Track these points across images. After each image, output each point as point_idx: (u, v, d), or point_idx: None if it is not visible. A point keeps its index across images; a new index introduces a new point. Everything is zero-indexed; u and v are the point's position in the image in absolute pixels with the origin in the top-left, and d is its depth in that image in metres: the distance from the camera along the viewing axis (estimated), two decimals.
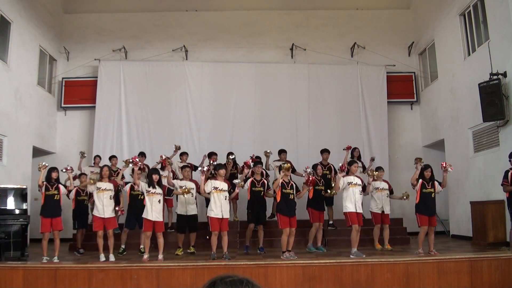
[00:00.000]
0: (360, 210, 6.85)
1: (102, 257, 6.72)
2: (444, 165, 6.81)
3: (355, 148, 9.30)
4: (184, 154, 9.07)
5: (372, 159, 9.36)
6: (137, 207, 7.44)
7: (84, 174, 8.17)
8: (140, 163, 7.06)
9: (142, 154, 9.15)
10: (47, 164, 7.05)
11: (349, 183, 6.84)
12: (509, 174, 6.62)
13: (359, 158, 9.24)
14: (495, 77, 7.80)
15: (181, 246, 7.59)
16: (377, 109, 11.09)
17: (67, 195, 7.43)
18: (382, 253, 7.30)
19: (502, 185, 6.75)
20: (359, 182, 6.93)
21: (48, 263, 6.45)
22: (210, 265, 5.69)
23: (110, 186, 6.97)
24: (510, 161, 6.70)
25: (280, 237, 6.81)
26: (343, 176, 6.91)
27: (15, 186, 7.94)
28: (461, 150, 9.50)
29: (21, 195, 7.80)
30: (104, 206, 6.80)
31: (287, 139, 10.39)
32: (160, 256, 6.63)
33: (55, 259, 6.77)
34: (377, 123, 11.03)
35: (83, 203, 7.96)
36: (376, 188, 7.69)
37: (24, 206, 7.75)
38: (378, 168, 7.87)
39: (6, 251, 7.09)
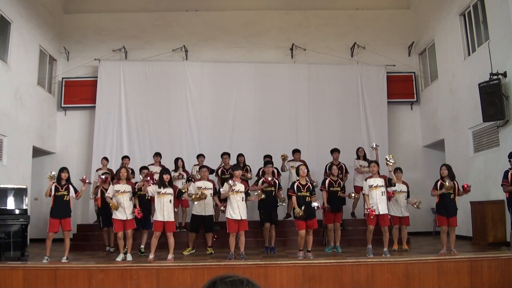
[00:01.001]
0: (383, 212, 6.72)
1: (120, 257, 6.74)
2: (466, 186, 6.75)
3: (359, 148, 9.29)
4: (200, 156, 9.07)
5: (376, 147, 8.98)
6: (143, 208, 7.43)
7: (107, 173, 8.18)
8: (150, 181, 7.04)
9: (157, 155, 9.15)
10: (55, 175, 6.92)
11: (370, 187, 6.79)
12: (509, 174, 6.62)
13: (364, 157, 9.22)
14: (495, 77, 7.80)
15: (191, 245, 7.55)
16: (377, 109, 11.09)
17: (76, 197, 7.21)
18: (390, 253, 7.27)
19: (502, 185, 6.75)
20: (380, 183, 6.81)
21: (48, 263, 6.45)
22: (210, 265, 5.68)
23: (128, 188, 6.97)
24: (510, 161, 6.69)
25: (293, 236, 6.78)
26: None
27: (15, 186, 7.92)
28: (461, 150, 9.50)
29: (21, 195, 7.79)
30: (125, 208, 6.82)
31: (287, 139, 10.40)
32: (170, 256, 6.62)
33: (64, 259, 6.77)
34: (377, 123, 11.03)
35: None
36: (395, 190, 7.57)
37: (24, 206, 7.73)
38: (397, 169, 7.73)
39: (6, 251, 7.08)
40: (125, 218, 6.84)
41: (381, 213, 6.71)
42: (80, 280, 5.34)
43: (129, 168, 8.78)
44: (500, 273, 5.39)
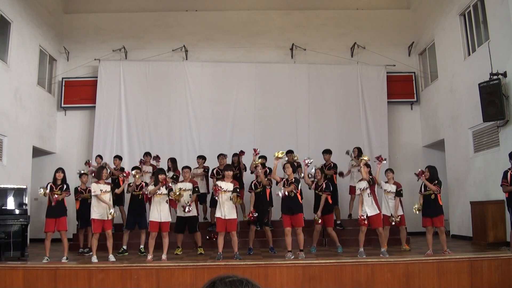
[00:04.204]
0: (371, 213, 6.75)
1: (95, 259, 6.71)
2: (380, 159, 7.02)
3: (353, 148, 9.28)
4: (200, 158, 9.07)
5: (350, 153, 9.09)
6: (137, 208, 7.43)
7: (85, 174, 8.16)
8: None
9: (147, 154, 9.20)
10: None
11: (361, 189, 6.87)
12: (509, 174, 6.61)
13: (358, 157, 9.21)
14: (495, 77, 7.80)
15: (180, 246, 7.63)
16: (377, 109, 11.09)
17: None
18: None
19: (501, 185, 6.75)
20: (366, 185, 6.86)
21: (48, 263, 6.45)
22: (210, 265, 5.68)
23: (108, 187, 6.97)
24: (511, 161, 6.69)
25: (292, 236, 6.79)
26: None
27: (15, 186, 7.93)
28: (461, 150, 9.50)
29: (21, 195, 7.79)
30: (103, 208, 6.79)
31: (287, 139, 10.40)
32: (164, 256, 6.65)
33: (64, 259, 6.77)
34: (377, 123, 11.02)
35: (86, 201, 7.94)
36: (385, 191, 7.61)
37: (24, 206, 7.74)
38: (388, 170, 7.87)
39: (6, 251, 7.09)
40: (105, 218, 6.77)
41: (369, 215, 6.75)
42: (80, 280, 5.34)
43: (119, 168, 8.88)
44: (500, 273, 5.39)
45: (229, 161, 8.80)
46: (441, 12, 10.23)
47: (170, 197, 6.94)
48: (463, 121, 9.38)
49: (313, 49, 11.43)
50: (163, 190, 6.73)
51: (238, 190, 6.81)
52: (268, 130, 10.84)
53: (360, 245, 6.78)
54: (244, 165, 8.80)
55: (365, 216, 6.73)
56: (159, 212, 6.64)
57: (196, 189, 7.38)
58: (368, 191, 6.82)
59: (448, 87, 10.05)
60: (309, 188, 7.81)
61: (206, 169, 8.91)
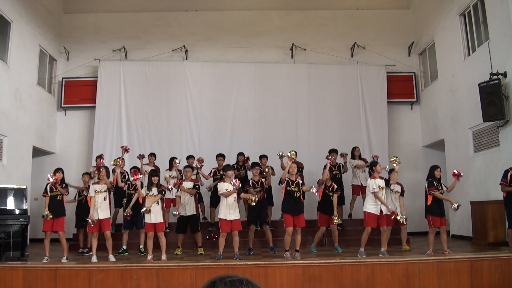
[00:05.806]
0: (385, 212, 6.72)
1: (94, 258, 6.71)
2: (457, 172, 6.80)
3: (355, 148, 9.28)
4: (190, 158, 9.06)
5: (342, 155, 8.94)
6: (135, 208, 7.42)
7: (87, 173, 8.16)
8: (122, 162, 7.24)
9: (152, 155, 9.14)
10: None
11: (378, 187, 6.75)
12: (509, 174, 6.61)
13: (360, 157, 9.23)
14: (495, 77, 7.80)
15: (180, 246, 7.63)
16: (377, 109, 11.09)
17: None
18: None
19: (500, 184, 6.75)
20: (383, 184, 6.79)
21: (48, 263, 6.45)
22: (210, 265, 5.68)
23: (104, 187, 6.96)
24: None
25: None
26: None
27: (15, 186, 7.93)
28: (461, 150, 9.50)
29: (21, 195, 7.79)
30: (98, 208, 6.78)
31: (287, 139, 10.40)
32: (163, 256, 6.65)
33: (64, 259, 6.77)
34: (377, 123, 11.02)
35: (81, 202, 7.96)
36: (391, 190, 7.57)
37: (24, 206, 7.75)
38: (391, 170, 7.80)
39: (6, 251, 7.09)
40: (99, 218, 6.74)
41: (384, 213, 6.74)
42: (80, 280, 5.34)
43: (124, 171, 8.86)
44: (500, 273, 5.39)
45: (233, 160, 8.82)
46: (441, 12, 10.23)
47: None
48: (463, 121, 9.38)
49: (313, 49, 11.43)
50: (154, 191, 6.73)
51: (241, 189, 6.86)
52: (268, 130, 10.83)
53: (362, 245, 6.78)
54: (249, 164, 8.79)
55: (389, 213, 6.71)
56: (150, 213, 6.63)
57: (197, 187, 7.39)
58: (384, 191, 6.81)
59: (448, 87, 10.05)
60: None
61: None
